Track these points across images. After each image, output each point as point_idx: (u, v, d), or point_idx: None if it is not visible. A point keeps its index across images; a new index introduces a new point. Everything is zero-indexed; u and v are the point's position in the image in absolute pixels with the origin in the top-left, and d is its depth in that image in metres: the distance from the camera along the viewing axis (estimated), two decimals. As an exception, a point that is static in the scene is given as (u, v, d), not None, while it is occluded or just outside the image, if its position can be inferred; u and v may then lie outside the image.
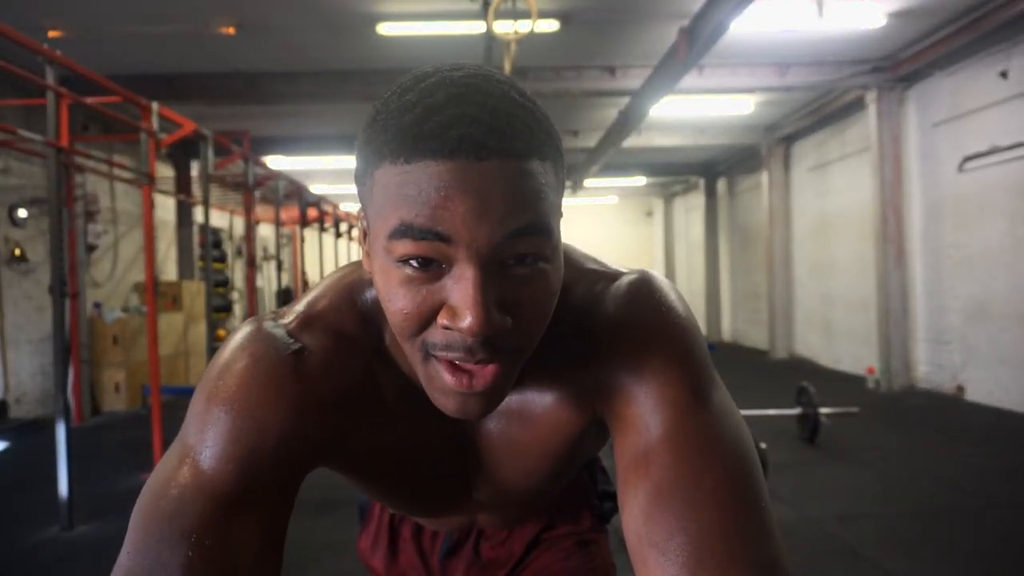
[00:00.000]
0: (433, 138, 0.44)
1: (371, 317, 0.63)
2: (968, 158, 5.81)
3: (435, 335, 0.49)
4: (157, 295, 4.79)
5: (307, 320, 0.61)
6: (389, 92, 0.50)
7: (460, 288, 0.46)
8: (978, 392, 5.85)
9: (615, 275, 0.64)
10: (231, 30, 5.42)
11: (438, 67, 0.50)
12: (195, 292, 7.57)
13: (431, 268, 0.47)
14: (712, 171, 12.19)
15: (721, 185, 12.23)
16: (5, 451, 5.04)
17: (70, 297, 5.41)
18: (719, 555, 0.48)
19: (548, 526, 0.93)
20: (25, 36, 3.19)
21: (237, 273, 10.29)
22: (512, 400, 0.64)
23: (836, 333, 8.37)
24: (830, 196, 8.38)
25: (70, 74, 3.70)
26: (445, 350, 0.49)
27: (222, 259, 9.66)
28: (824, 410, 4.50)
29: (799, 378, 5.20)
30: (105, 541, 3.04)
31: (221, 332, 8.27)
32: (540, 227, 0.47)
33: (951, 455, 4.27)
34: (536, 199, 0.47)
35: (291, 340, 0.59)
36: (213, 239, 9.17)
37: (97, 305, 6.64)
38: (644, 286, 0.61)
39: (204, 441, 0.53)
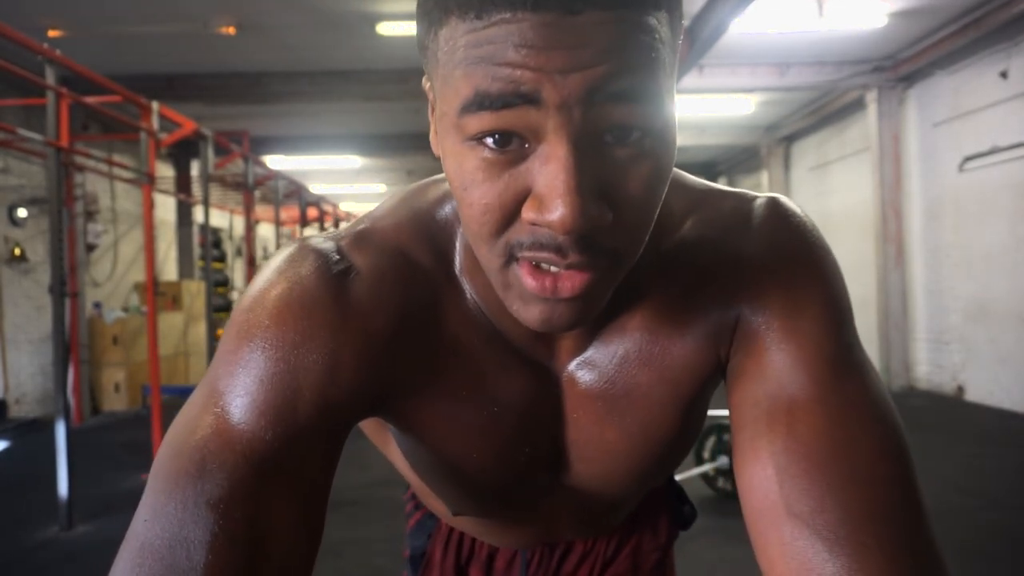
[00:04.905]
0: None
1: (440, 241, 0.53)
2: (968, 158, 5.81)
3: (520, 233, 0.40)
4: (157, 295, 4.78)
5: (362, 236, 0.51)
6: None
7: (549, 170, 0.37)
8: (978, 392, 5.85)
9: (745, 196, 0.55)
10: (231, 30, 5.42)
11: None
12: (195, 292, 7.55)
13: (512, 147, 0.38)
14: (712, 171, 12.19)
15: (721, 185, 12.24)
16: (5, 451, 5.04)
17: (70, 297, 5.41)
18: (883, 538, 0.42)
19: (623, 540, 0.79)
20: (25, 36, 3.19)
21: (237, 273, 10.29)
22: (627, 341, 0.53)
23: (836, 333, 8.36)
24: (830, 196, 8.38)
25: (70, 74, 3.70)
26: (532, 249, 0.40)
27: (222, 259, 9.66)
28: (824, 410, 4.50)
29: (799, 378, 5.19)
30: (105, 541, 3.03)
31: (221, 332, 8.27)
32: (647, 91, 0.37)
33: (951, 455, 4.26)
34: (644, 55, 0.36)
35: (338, 258, 0.49)
36: (213, 239, 9.18)
37: (97, 305, 6.64)
38: (785, 212, 0.53)
39: (233, 388, 0.44)
